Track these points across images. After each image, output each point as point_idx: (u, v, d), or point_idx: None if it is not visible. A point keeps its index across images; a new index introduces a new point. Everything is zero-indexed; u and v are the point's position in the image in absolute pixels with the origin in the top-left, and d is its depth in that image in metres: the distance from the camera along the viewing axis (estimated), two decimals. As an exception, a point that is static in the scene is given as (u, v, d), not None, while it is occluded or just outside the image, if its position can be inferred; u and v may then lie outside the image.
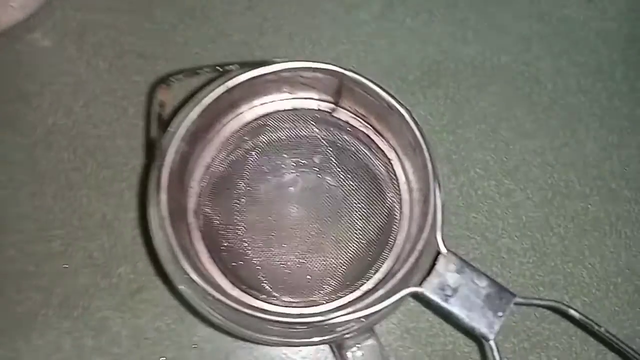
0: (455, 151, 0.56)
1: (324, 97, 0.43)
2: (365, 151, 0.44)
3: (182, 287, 0.36)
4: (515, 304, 0.35)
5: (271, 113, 0.44)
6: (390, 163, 0.43)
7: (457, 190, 0.54)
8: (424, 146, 0.37)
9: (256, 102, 0.43)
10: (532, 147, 0.57)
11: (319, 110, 0.44)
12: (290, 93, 0.43)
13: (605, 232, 0.54)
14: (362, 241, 0.44)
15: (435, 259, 0.36)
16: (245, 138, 0.44)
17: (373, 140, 0.43)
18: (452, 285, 0.35)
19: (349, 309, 0.34)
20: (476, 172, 0.55)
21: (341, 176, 0.45)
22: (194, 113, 0.37)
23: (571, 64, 0.60)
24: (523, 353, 0.50)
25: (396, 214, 0.42)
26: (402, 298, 0.35)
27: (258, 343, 0.47)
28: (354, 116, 0.43)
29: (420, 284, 0.36)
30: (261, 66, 0.38)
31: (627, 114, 0.59)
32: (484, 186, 0.55)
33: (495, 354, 0.35)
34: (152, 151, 0.40)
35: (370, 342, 0.39)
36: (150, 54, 0.56)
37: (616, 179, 0.56)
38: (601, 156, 0.57)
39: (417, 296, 0.36)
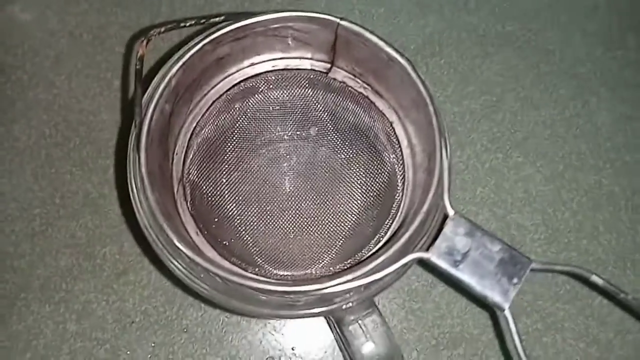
0: (461, 123, 0.53)
1: (319, 55, 0.40)
2: (364, 114, 0.41)
3: (166, 258, 0.33)
4: (532, 270, 0.32)
5: (262, 74, 0.40)
6: (392, 125, 0.39)
7: (463, 163, 0.51)
8: (427, 100, 0.34)
9: (246, 62, 0.40)
10: (541, 118, 0.53)
11: (313, 70, 0.40)
12: (282, 52, 0.40)
13: (621, 207, 0.51)
14: (362, 211, 0.41)
15: (442, 222, 0.33)
16: (235, 101, 0.40)
17: (372, 102, 0.40)
18: (462, 250, 0.32)
19: (349, 276, 0.31)
20: (483, 145, 0.52)
21: (338, 142, 0.42)
22: (175, 67, 0.34)
23: (580, 32, 0.57)
24: (537, 334, 0.47)
25: (398, 180, 0.39)
26: (406, 265, 0.32)
27: (250, 316, 0.44)
28: (351, 76, 0.40)
29: (427, 250, 0.32)
30: (249, 17, 0.35)
31: (639, 84, 0.56)
32: (491, 159, 0.52)
33: (512, 325, 0.31)
34: (132, 112, 0.37)
35: (372, 317, 0.36)
36: (136, 25, 0.53)
37: (630, 151, 0.53)
38: (614, 128, 0.54)
39: (423, 263, 0.33)
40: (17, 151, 0.49)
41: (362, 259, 0.37)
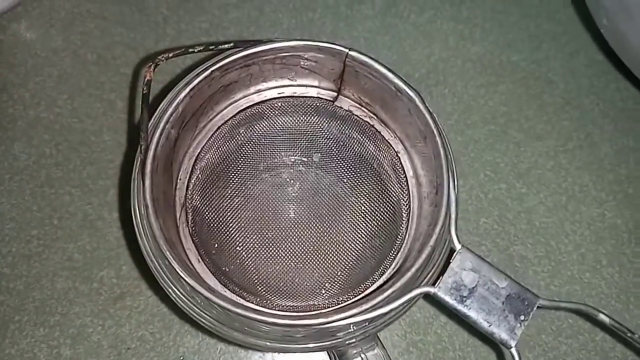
0: (464, 153, 0.52)
1: (325, 84, 0.40)
2: (369, 143, 0.40)
3: (168, 286, 0.32)
4: (539, 307, 0.32)
5: (268, 100, 0.40)
6: (397, 155, 0.39)
7: (466, 193, 0.51)
8: (435, 132, 0.34)
9: (252, 88, 0.40)
10: (544, 149, 0.53)
11: (319, 98, 0.40)
12: (290, 79, 0.40)
13: (623, 240, 0.51)
14: (366, 241, 0.40)
15: (449, 257, 0.33)
16: (240, 127, 0.40)
17: (378, 131, 0.40)
18: (469, 285, 0.32)
19: (354, 310, 0.30)
20: (486, 175, 0.52)
21: (343, 171, 0.42)
22: (183, 93, 0.34)
23: (584, 63, 0.57)
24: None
25: (403, 211, 0.39)
26: (412, 299, 0.31)
27: (251, 348, 0.43)
28: (357, 105, 0.40)
29: (433, 284, 0.32)
30: (258, 45, 0.35)
31: (642, 116, 0.56)
32: (495, 189, 0.51)
33: (518, 363, 0.31)
34: (137, 134, 0.36)
35: (375, 351, 0.35)
36: (141, 46, 0.53)
37: (633, 183, 0.53)
38: (617, 159, 0.54)
39: (430, 299, 0.32)
40: (16, 170, 0.49)
41: (367, 290, 0.37)
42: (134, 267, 0.46)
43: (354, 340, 0.33)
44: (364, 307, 0.30)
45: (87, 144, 0.50)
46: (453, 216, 0.33)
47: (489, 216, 0.51)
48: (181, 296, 0.32)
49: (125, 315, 0.45)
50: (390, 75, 0.35)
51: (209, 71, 0.34)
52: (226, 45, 0.35)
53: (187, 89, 0.34)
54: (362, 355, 0.35)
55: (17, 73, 0.52)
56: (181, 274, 0.30)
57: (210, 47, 0.35)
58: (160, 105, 0.35)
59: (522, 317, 0.31)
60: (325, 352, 0.44)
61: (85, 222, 0.47)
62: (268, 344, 0.32)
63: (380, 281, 0.37)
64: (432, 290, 0.31)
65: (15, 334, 0.44)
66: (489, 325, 0.31)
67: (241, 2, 0.56)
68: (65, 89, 0.51)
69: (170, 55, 0.35)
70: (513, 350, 0.31)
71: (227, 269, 0.38)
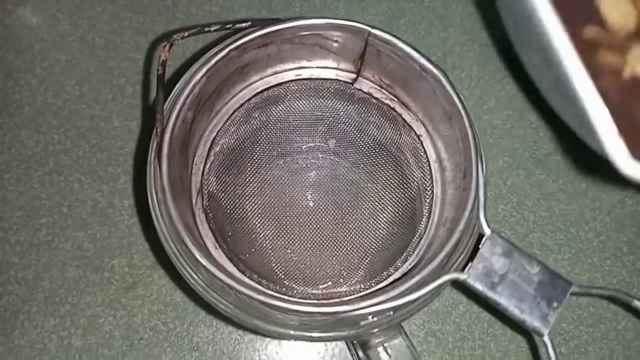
0: (483, 138, 0.50)
1: (344, 65, 0.38)
2: (390, 127, 0.39)
3: (186, 272, 0.31)
4: (572, 293, 0.31)
5: (285, 83, 0.39)
6: (419, 139, 0.38)
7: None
8: (463, 112, 0.32)
9: (269, 70, 0.38)
10: (563, 134, 0.52)
11: (337, 80, 0.39)
12: (308, 60, 0.38)
13: (645, 227, 0.50)
14: (388, 227, 0.39)
15: (479, 242, 0.31)
16: (256, 111, 0.39)
17: (399, 114, 0.38)
18: (499, 271, 0.31)
19: (380, 297, 0.29)
20: (504, 161, 0.51)
21: (363, 155, 0.41)
22: (200, 73, 0.32)
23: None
24: (560, 358, 0.45)
25: (427, 195, 0.37)
26: (440, 286, 0.30)
27: (271, 336, 0.42)
28: (378, 87, 0.39)
29: (462, 270, 0.31)
30: (276, 23, 0.34)
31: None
32: (513, 176, 0.50)
33: (551, 351, 0.30)
34: (151, 118, 0.35)
35: (399, 340, 0.34)
36: (150, 30, 0.52)
37: (654, 170, 0.52)
38: (637, 146, 0.52)
39: (459, 285, 0.31)
40: (24, 157, 0.47)
41: (389, 278, 0.36)
42: (146, 256, 0.45)
43: (377, 329, 0.32)
44: (391, 294, 0.29)
45: (96, 130, 0.48)
46: (482, 200, 0.32)
47: (507, 203, 0.49)
48: (200, 282, 0.31)
49: (137, 305, 0.44)
50: (415, 54, 0.34)
51: (226, 50, 0.33)
52: (243, 24, 0.34)
53: (204, 69, 0.33)
54: (385, 345, 0.34)
55: (24, 58, 0.50)
56: (200, 260, 0.29)
57: (227, 26, 0.34)
58: (176, 86, 0.34)
59: (554, 304, 0.30)
60: (344, 341, 0.43)
61: (96, 210, 0.46)
62: (291, 332, 0.31)
63: (403, 268, 0.36)
64: (461, 276, 0.30)
65: (24, 325, 0.43)
66: (521, 313, 0.30)
67: (254, -16, 0.54)
68: (73, 74, 0.50)
69: (186, 34, 0.33)
70: (546, 338, 0.30)
71: (245, 256, 0.36)
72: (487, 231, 0.31)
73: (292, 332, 0.31)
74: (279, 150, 0.41)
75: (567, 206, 0.50)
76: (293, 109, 0.40)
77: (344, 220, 0.40)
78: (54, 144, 0.48)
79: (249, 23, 0.34)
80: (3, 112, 0.48)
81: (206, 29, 0.34)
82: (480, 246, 0.31)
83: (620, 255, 0.49)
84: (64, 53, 0.51)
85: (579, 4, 0.28)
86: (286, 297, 0.32)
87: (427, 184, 0.37)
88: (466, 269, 0.31)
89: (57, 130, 0.48)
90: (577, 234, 0.49)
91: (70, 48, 0.51)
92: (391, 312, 0.32)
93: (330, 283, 0.36)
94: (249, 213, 0.39)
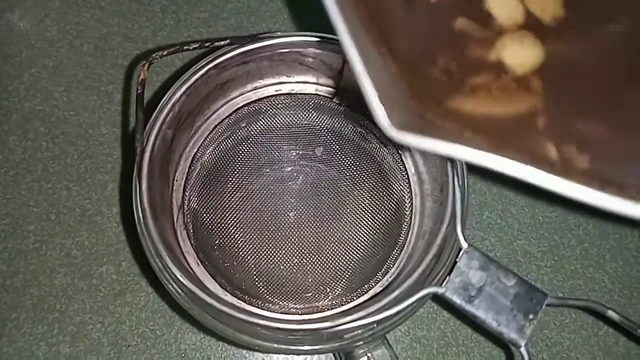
0: (467, 145, 0.52)
1: (324, 80, 0.39)
2: (371, 139, 0.39)
3: (171, 287, 0.32)
4: (548, 305, 0.31)
5: (265, 98, 0.39)
6: (398, 152, 0.38)
7: (470, 187, 0.50)
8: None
9: (249, 86, 0.39)
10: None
11: (317, 95, 0.39)
12: (287, 76, 0.39)
13: (627, 235, 0.51)
14: (369, 240, 0.39)
15: (456, 256, 0.32)
16: (237, 126, 0.39)
17: (378, 128, 0.39)
18: (476, 285, 0.31)
19: (361, 313, 0.30)
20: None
21: (344, 168, 0.41)
22: (178, 93, 0.33)
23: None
24: (538, 367, 0.46)
25: (406, 208, 0.38)
26: (420, 300, 0.31)
27: (256, 350, 0.43)
28: (357, 100, 0.39)
29: (440, 284, 0.31)
30: (255, 42, 0.34)
31: None
32: (498, 183, 0.51)
33: (527, 363, 0.30)
34: (132, 137, 0.35)
35: (382, 350, 0.34)
36: (139, 36, 0.52)
37: (637, 177, 0.52)
38: (621, 153, 0.53)
39: (437, 298, 0.32)
40: (12, 164, 0.48)
41: (371, 290, 0.36)
42: (133, 263, 0.46)
43: (361, 342, 0.32)
44: (371, 309, 0.30)
45: (84, 137, 0.49)
46: (459, 214, 0.32)
47: (492, 210, 0.50)
48: (184, 297, 0.32)
49: (125, 312, 0.45)
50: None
51: (205, 69, 0.33)
52: (222, 42, 0.34)
53: (183, 88, 0.33)
54: (369, 354, 0.35)
55: (12, 64, 0.50)
56: (181, 280, 0.29)
57: (206, 45, 0.34)
58: (158, 106, 0.34)
59: (530, 316, 0.31)
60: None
61: (84, 218, 0.47)
62: (275, 345, 0.31)
63: (384, 280, 0.36)
64: (439, 290, 0.31)
65: (12, 332, 0.43)
66: (498, 325, 0.31)
67: (241, -9, 0.54)
68: (61, 80, 0.50)
69: (165, 53, 0.34)
70: (522, 349, 0.31)
71: (227, 271, 0.37)
72: (464, 245, 0.32)
73: (275, 345, 0.32)
74: (259, 165, 0.41)
75: (551, 214, 0.50)
76: (273, 123, 0.40)
77: (325, 233, 0.40)
78: (42, 150, 0.48)
79: (228, 41, 0.34)
80: (-9, 118, 0.49)
81: (185, 47, 0.34)
82: (457, 260, 0.32)
83: (602, 262, 0.49)
84: (52, 59, 0.51)
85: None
86: (268, 315, 0.32)
87: (407, 197, 0.38)
88: (444, 283, 0.31)
89: (45, 137, 0.48)
90: (561, 241, 0.50)
91: (58, 54, 0.51)
92: (374, 325, 0.32)
93: (312, 297, 0.37)
94: (230, 228, 0.39)
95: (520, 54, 0.30)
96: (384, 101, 0.24)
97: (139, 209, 0.32)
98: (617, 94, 0.29)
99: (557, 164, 0.26)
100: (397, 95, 0.27)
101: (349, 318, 0.30)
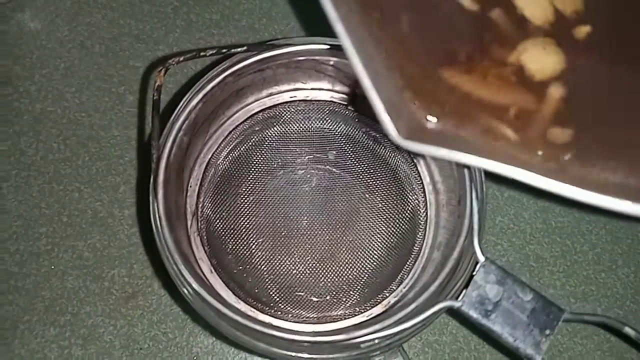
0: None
1: (340, 87, 0.39)
2: (384, 150, 0.39)
3: (187, 293, 0.32)
4: (564, 320, 0.31)
5: (280, 104, 0.39)
6: (413, 161, 0.38)
7: (482, 192, 0.50)
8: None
9: (265, 92, 0.38)
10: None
11: (332, 102, 0.39)
12: (303, 82, 0.38)
13: (639, 240, 0.50)
14: (383, 248, 0.39)
15: (473, 269, 0.32)
16: (252, 132, 0.39)
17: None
18: (493, 299, 0.31)
19: (377, 326, 0.30)
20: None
21: (358, 174, 0.41)
22: (194, 100, 0.32)
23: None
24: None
25: (420, 217, 0.38)
26: (435, 314, 0.31)
27: (269, 357, 0.43)
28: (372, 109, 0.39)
29: (456, 298, 0.31)
30: (272, 49, 0.34)
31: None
32: (511, 188, 0.51)
33: (542, 378, 0.30)
34: (147, 144, 0.35)
35: (397, 358, 0.34)
36: (150, 37, 0.52)
37: (651, 182, 0.52)
38: (635, 157, 0.52)
39: (451, 311, 0.32)
40: (23, 166, 0.47)
41: (385, 300, 0.36)
42: (145, 266, 0.46)
43: (378, 351, 0.32)
44: (387, 322, 0.30)
45: (95, 138, 0.49)
46: (476, 227, 0.32)
47: (505, 215, 0.50)
48: (202, 304, 0.32)
49: (137, 315, 0.45)
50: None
51: (221, 76, 0.33)
52: (239, 49, 0.34)
53: (200, 95, 0.33)
54: (385, 364, 0.35)
55: (23, 65, 0.50)
56: (197, 290, 0.29)
57: (223, 51, 0.34)
58: (174, 113, 0.34)
59: (547, 332, 0.31)
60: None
61: (95, 220, 0.47)
62: (292, 354, 0.31)
63: (399, 290, 0.36)
64: (456, 304, 0.31)
65: (25, 334, 0.44)
66: (514, 340, 0.31)
67: (253, -8, 0.54)
68: (72, 81, 0.50)
69: (181, 59, 0.33)
70: (538, 364, 0.31)
71: (241, 279, 0.37)
72: (482, 258, 0.32)
73: (292, 353, 0.32)
74: (273, 171, 0.41)
75: (564, 219, 0.50)
76: (288, 130, 0.40)
77: (338, 240, 0.40)
78: (54, 152, 0.48)
79: (245, 48, 0.34)
80: (2, 120, 0.48)
81: (202, 54, 0.34)
82: (474, 273, 0.31)
83: (614, 267, 0.49)
84: (63, 60, 0.51)
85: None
86: (281, 325, 0.32)
87: (422, 206, 0.38)
88: (460, 297, 0.31)
89: (56, 139, 0.48)
90: (573, 246, 0.50)
91: (70, 55, 0.51)
92: (390, 336, 0.32)
93: (325, 305, 0.37)
94: (243, 235, 0.39)
95: (541, 60, 0.30)
96: (391, 111, 0.26)
97: (156, 217, 0.32)
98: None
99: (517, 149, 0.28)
100: (402, 103, 0.27)
101: (364, 331, 0.30)
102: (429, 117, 0.28)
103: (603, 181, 0.27)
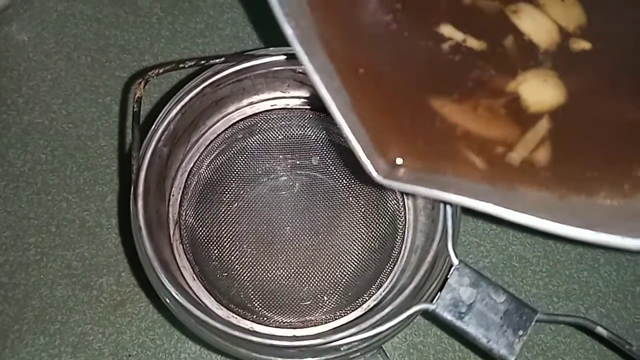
0: (462, 152, 0.52)
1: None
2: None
3: (168, 302, 0.32)
4: (538, 321, 0.32)
5: (261, 113, 0.40)
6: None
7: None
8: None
9: (245, 101, 0.39)
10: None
11: (312, 110, 0.40)
12: (282, 91, 0.39)
13: (621, 239, 0.51)
14: (364, 253, 0.40)
15: (447, 272, 0.33)
16: (233, 140, 0.40)
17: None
18: (467, 301, 0.32)
19: (354, 329, 0.30)
20: (484, 174, 0.52)
21: (339, 181, 0.42)
22: (173, 111, 0.33)
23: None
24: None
25: (400, 222, 0.38)
26: (410, 316, 0.31)
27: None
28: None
29: (431, 300, 0.32)
30: (250, 60, 0.35)
31: None
32: (493, 189, 0.51)
33: (516, 378, 0.31)
34: (128, 155, 0.36)
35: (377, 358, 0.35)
36: (135, 48, 0.52)
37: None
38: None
39: (427, 313, 0.32)
40: (12, 177, 0.48)
41: (364, 304, 0.37)
42: (132, 275, 0.46)
43: (358, 353, 0.33)
44: (364, 325, 0.31)
45: (83, 149, 0.49)
46: (450, 231, 0.33)
47: (487, 216, 0.50)
48: (183, 313, 0.32)
49: (125, 323, 0.45)
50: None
51: (200, 87, 0.34)
52: (217, 60, 0.35)
53: (178, 107, 0.34)
54: (365, 365, 0.35)
55: (10, 77, 0.51)
56: (177, 298, 0.30)
57: (201, 62, 0.35)
58: (154, 124, 0.34)
59: (520, 332, 0.32)
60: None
61: (84, 229, 0.47)
62: (272, 358, 0.32)
63: (378, 294, 0.37)
64: (430, 307, 0.31)
65: (15, 344, 0.44)
66: (488, 342, 0.31)
67: (236, 1, 0.55)
68: (59, 93, 0.51)
69: (161, 71, 0.34)
70: (512, 365, 0.31)
71: (223, 286, 0.38)
72: (455, 261, 0.32)
73: (272, 358, 0.32)
74: (256, 178, 0.42)
75: (546, 219, 0.51)
76: (269, 137, 0.41)
77: (321, 246, 0.41)
78: (42, 163, 0.49)
79: (223, 59, 0.35)
80: (-10, 132, 0.49)
81: (181, 65, 0.34)
82: (448, 276, 0.32)
83: (597, 266, 0.50)
84: (50, 72, 0.51)
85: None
86: (262, 331, 0.33)
87: (400, 211, 0.38)
88: (435, 299, 0.32)
89: (44, 150, 0.49)
90: (555, 245, 0.50)
91: (56, 67, 0.52)
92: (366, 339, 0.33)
93: (306, 310, 0.38)
94: (225, 242, 0.40)
95: (539, 92, 0.30)
96: (369, 153, 0.27)
97: (136, 226, 0.32)
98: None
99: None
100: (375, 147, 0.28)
101: (341, 335, 0.30)
102: (397, 160, 0.29)
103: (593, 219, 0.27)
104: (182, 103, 0.33)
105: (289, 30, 0.26)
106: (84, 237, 0.47)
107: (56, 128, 0.50)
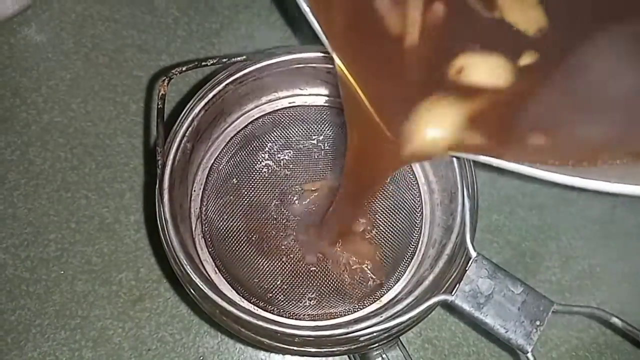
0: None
1: (336, 91, 0.40)
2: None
3: (193, 293, 0.33)
4: (554, 312, 0.32)
5: (279, 110, 0.41)
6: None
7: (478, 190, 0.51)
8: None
9: (264, 99, 0.40)
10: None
11: (330, 107, 0.41)
12: (301, 89, 0.40)
13: (632, 235, 0.51)
14: (381, 247, 0.40)
15: (466, 264, 0.33)
16: (252, 137, 0.41)
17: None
18: (485, 293, 0.32)
19: (374, 320, 0.31)
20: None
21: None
22: (197, 108, 0.34)
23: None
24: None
25: (417, 217, 0.39)
26: (430, 307, 0.32)
27: (274, 352, 0.44)
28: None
29: (450, 292, 0.32)
30: (271, 57, 0.35)
31: None
32: (506, 186, 0.52)
33: (534, 367, 0.31)
34: (153, 151, 0.36)
35: (396, 352, 0.36)
36: (152, 48, 0.53)
37: (644, 178, 0.53)
38: (628, 154, 0.54)
39: (446, 305, 0.33)
40: (32, 175, 0.49)
41: (383, 297, 0.37)
42: (152, 269, 0.47)
43: (376, 344, 0.33)
44: (384, 315, 0.31)
45: (101, 147, 0.50)
46: (468, 225, 0.33)
47: (500, 212, 0.51)
48: (209, 304, 0.33)
49: (145, 317, 0.46)
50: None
51: (223, 84, 0.35)
52: (239, 58, 0.35)
53: (202, 103, 0.34)
54: (384, 356, 0.36)
55: (29, 77, 0.52)
56: (203, 289, 0.30)
57: (223, 60, 0.36)
58: (177, 120, 0.35)
59: (537, 323, 0.32)
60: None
61: (103, 226, 0.48)
62: (294, 348, 0.32)
63: (397, 287, 0.37)
64: (449, 298, 0.32)
65: (36, 338, 0.45)
66: (506, 332, 0.32)
67: (251, 1, 0.55)
68: (78, 92, 0.52)
69: (184, 69, 0.35)
70: (529, 355, 0.32)
71: (244, 279, 0.38)
72: (474, 254, 0.33)
73: (295, 348, 0.33)
74: (274, 174, 0.42)
75: (558, 215, 0.51)
76: (287, 134, 0.42)
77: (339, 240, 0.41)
78: (61, 161, 0.50)
79: (244, 57, 0.35)
80: (10, 130, 0.50)
81: (203, 64, 0.35)
82: (467, 268, 0.33)
83: (609, 261, 0.50)
84: (69, 71, 0.52)
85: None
86: (284, 321, 0.34)
87: (417, 206, 0.39)
88: (454, 291, 0.32)
89: (63, 148, 0.50)
90: (568, 242, 0.51)
91: (75, 66, 0.53)
92: (388, 330, 0.33)
93: (326, 303, 0.38)
94: (245, 236, 0.40)
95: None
96: None
97: (162, 220, 0.33)
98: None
99: None
100: None
101: (362, 325, 0.31)
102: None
103: None
104: (206, 100, 0.34)
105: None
106: (103, 233, 0.48)
107: (75, 126, 0.51)
